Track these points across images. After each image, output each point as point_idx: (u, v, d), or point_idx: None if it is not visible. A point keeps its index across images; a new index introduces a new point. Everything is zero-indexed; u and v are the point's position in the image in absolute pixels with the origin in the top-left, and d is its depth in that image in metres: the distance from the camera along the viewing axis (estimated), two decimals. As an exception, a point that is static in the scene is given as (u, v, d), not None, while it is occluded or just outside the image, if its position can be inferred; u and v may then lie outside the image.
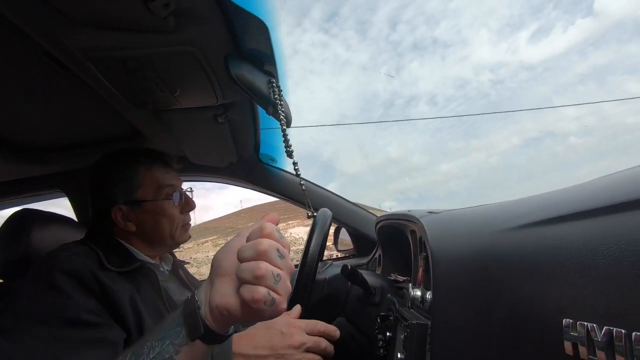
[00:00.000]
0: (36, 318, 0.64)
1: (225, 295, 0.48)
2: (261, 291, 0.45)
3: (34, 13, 0.57)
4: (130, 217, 0.87)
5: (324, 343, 0.68)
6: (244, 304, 0.46)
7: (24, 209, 0.91)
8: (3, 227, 0.87)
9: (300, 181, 0.79)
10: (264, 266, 0.45)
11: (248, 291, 0.45)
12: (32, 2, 0.54)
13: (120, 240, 0.87)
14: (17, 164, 1.11)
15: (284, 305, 0.47)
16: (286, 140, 0.73)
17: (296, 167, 0.75)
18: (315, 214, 0.76)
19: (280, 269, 0.46)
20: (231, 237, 0.54)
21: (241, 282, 0.46)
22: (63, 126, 1.03)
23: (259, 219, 0.52)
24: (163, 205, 0.89)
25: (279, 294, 0.46)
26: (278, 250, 0.47)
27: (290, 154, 0.74)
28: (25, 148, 1.09)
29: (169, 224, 0.89)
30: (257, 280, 0.45)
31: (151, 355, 0.49)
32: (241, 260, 0.47)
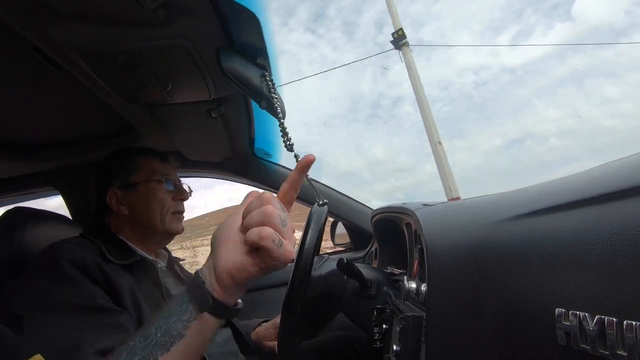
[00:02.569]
0: (51, 307, 0.65)
1: (230, 255, 0.47)
2: (268, 229, 0.44)
3: (21, 8, 0.56)
4: (123, 200, 0.89)
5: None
6: (252, 254, 0.46)
7: (16, 207, 0.90)
8: None
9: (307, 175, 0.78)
10: (271, 210, 0.45)
11: (255, 232, 0.45)
12: None
13: (119, 236, 0.88)
14: (9, 162, 1.09)
15: (292, 250, 0.47)
16: (285, 134, 0.72)
17: (297, 156, 0.74)
18: (325, 200, 0.75)
19: (283, 235, 0.46)
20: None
21: (247, 231, 0.46)
22: (55, 123, 1.02)
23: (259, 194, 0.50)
24: (155, 187, 0.91)
25: (284, 238, 0.46)
26: (281, 216, 0.47)
27: (290, 148, 0.73)
28: (17, 146, 1.07)
29: (159, 207, 0.90)
30: (265, 219, 0.45)
31: (159, 334, 0.48)
32: (247, 225, 0.46)
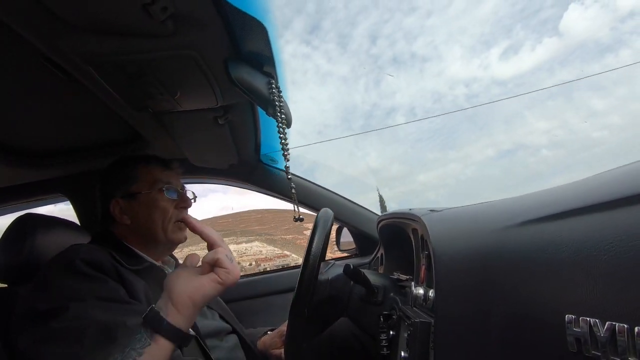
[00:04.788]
0: (81, 298, 0.66)
1: (185, 282, 0.61)
2: (221, 249, 0.64)
3: (34, 19, 0.58)
4: (126, 210, 0.90)
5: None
6: (206, 276, 0.62)
7: (27, 213, 0.91)
8: (7, 232, 0.87)
9: (291, 184, 0.80)
10: (221, 249, 0.65)
11: (210, 253, 0.63)
12: (32, 9, 0.54)
13: (126, 244, 0.88)
14: (20, 169, 1.11)
15: (239, 271, 0.64)
16: (283, 141, 0.74)
17: (287, 167, 0.77)
18: (301, 217, 0.79)
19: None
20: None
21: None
22: (65, 131, 1.04)
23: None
24: (156, 197, 0.91)
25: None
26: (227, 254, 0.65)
27: (285, 156, 0.75)
28: (28, 153, 1.09)
29: (161, 216, 0.90)
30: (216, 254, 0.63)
31: None
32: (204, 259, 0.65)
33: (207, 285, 0.61)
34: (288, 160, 0.77)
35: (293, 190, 0.79)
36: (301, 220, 0.80)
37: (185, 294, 0.59)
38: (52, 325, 0.62)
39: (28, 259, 0.84)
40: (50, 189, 1.28)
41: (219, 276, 0.61)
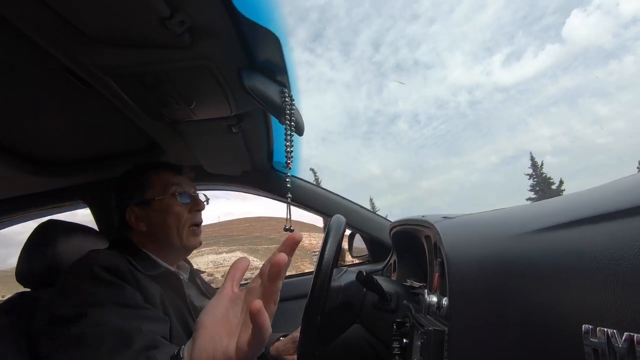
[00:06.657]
0: (100, 304, 0.68)
1: (207, 343, 0.48)
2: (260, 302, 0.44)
3: (55, 32, 0.60)
4: (141, 217, 0.92)
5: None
6: (240, 333, 0.47)
7: (49, 220, 0.94)
8: (31, 238, 0.90)
9: (288, 194, 0.81)
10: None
11: (256, 303, 0.44)
12: (54, 22, 0.57)
13: (143, 249, 0.90)
14: (42, 177, 1.15)
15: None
16: (289, 150, 0.75)
17: (287, 180, 0.79)
18: (292, 228, 0.79)
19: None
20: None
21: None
22: (84, 140, 1.07)
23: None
24: (170, 202, 0.93)
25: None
26: None
27: (289, 164, 0.76)
28: (48, 161, 1.13)
29: (176, 221, 0.92)
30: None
31: None
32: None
33: (234, 351, 0.47)
34: (290, 169, 0.78)
35: (289, 199, 0.80)
36: (291, 231, 0.81)
37: (205, 354, 0.47)
38: (72, 330, 0.64)
39: (50, 264, 0.87)
40: (70, 196, 1.32)
41: (259, 328, 0.45)
